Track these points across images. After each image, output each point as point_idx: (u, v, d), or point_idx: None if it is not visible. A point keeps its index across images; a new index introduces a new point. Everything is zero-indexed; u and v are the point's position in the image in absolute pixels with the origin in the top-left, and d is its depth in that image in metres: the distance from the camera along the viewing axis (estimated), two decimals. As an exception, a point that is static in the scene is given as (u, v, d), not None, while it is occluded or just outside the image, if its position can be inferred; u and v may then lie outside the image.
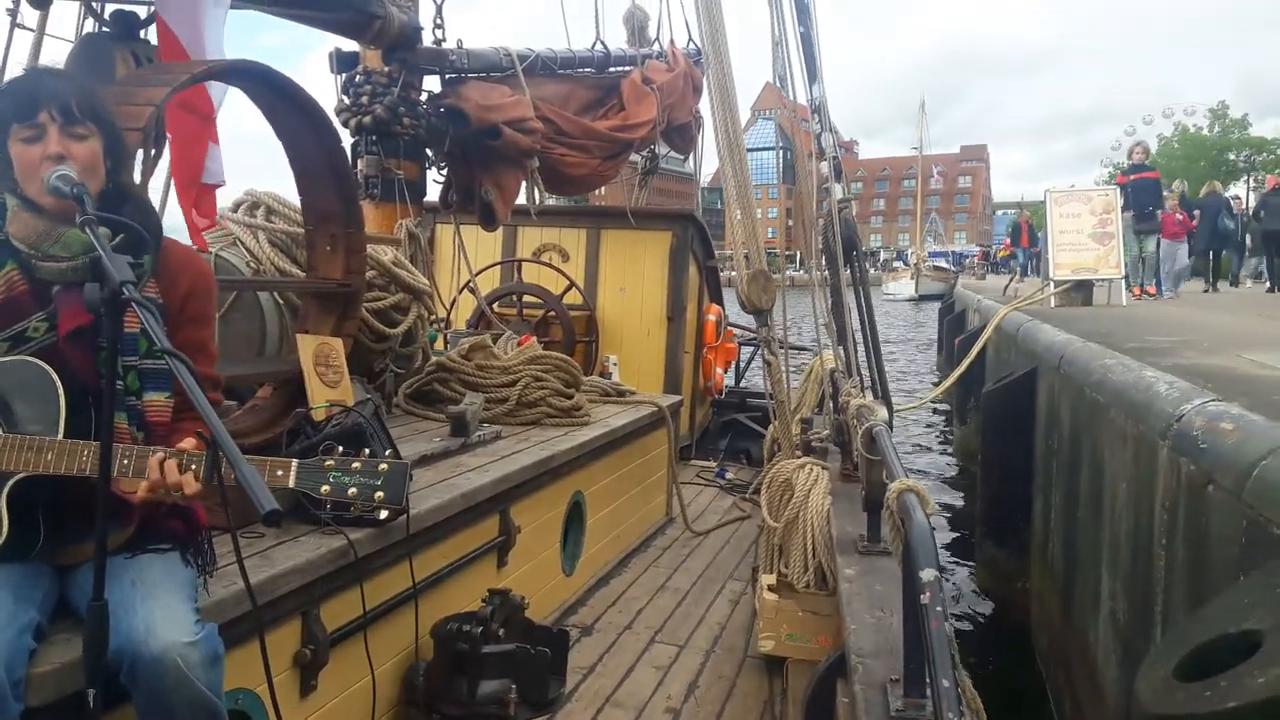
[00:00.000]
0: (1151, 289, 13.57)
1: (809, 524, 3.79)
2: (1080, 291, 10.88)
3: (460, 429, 3.84)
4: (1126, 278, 15.31)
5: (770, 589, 3.68)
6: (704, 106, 6.85)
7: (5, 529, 1.71)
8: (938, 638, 1.71)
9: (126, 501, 1.75)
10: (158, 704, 1.71)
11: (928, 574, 1.81)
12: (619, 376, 6.27)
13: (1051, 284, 10.98)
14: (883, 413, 3.63)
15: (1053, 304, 10.70)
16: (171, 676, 1.68)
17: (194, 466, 1.70)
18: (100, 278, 1.63)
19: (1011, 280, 19.87)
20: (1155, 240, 13.52)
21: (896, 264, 64.83)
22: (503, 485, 3.45)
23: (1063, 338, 6.04)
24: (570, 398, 4.70)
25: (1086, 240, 10.91)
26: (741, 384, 8.80)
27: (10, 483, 1.72)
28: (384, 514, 1.83)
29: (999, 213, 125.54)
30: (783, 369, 4.59)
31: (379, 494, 1.71)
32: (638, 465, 5.22)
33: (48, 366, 1.78)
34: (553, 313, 6.59)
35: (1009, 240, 31.44)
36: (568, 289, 6.68)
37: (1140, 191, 13.20)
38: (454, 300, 6.46)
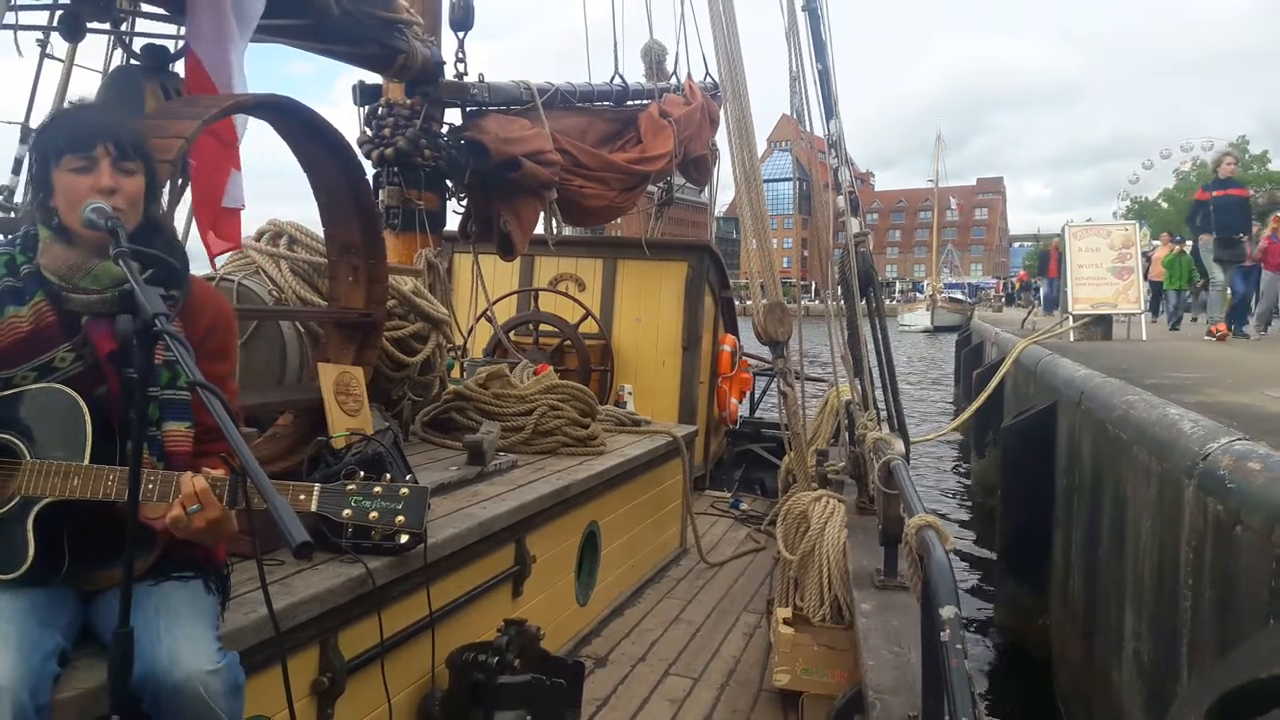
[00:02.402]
0: (1222, 326, 10.63)
1: (825, 557, 3.77)
2: (1100, 326, 10.82)
3: (477, 458, 3.85)
4: (1174, 313, 14.65)
5: (786, 622, 3.65)
6: (720, 139, 6.94)
7: (32, 553, 1.73)
8: (957, 676, 1.71)
9: (150, 528, 1.77)
10: None
11: (947, 611, 1.80)
12: (634, 406, 6.27)
13: (1070, 318, 10.93)
14: (899, 446, 3.62)
15: (1072, 338, 10.65)
16: (194, 705, 1.69)
17: (218, 490, 1.72)
18: (132, 310, 1.66)
19: (1030, 313, 19.77)
20: (1235, 271, 10.82)
21: (914, 294, 64.68)
22: (519, 515, 3.45)
23: (1083, 373, 6.01)
24: (586, 427, 4.71)
25: (1105, 274, 10.86)
26: (756, 414, 8.79)
27: (37, 507, 1.74)
28: (404, 538, 1.86)
29: (1015, 245, 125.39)
30: (799, 400, 4.58)
31: (400, 518, 1.72)
32: (652, 495, 5.21)
33: (75, 394, 1.80)
34: (569, 342, 6.62)
35: (1025, 271, 31.30)
36: (584, 318, 6.71)
37: (1225, 211, 10.61)
38: (471, 329, 6.50)
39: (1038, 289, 28.51)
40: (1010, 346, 10.07)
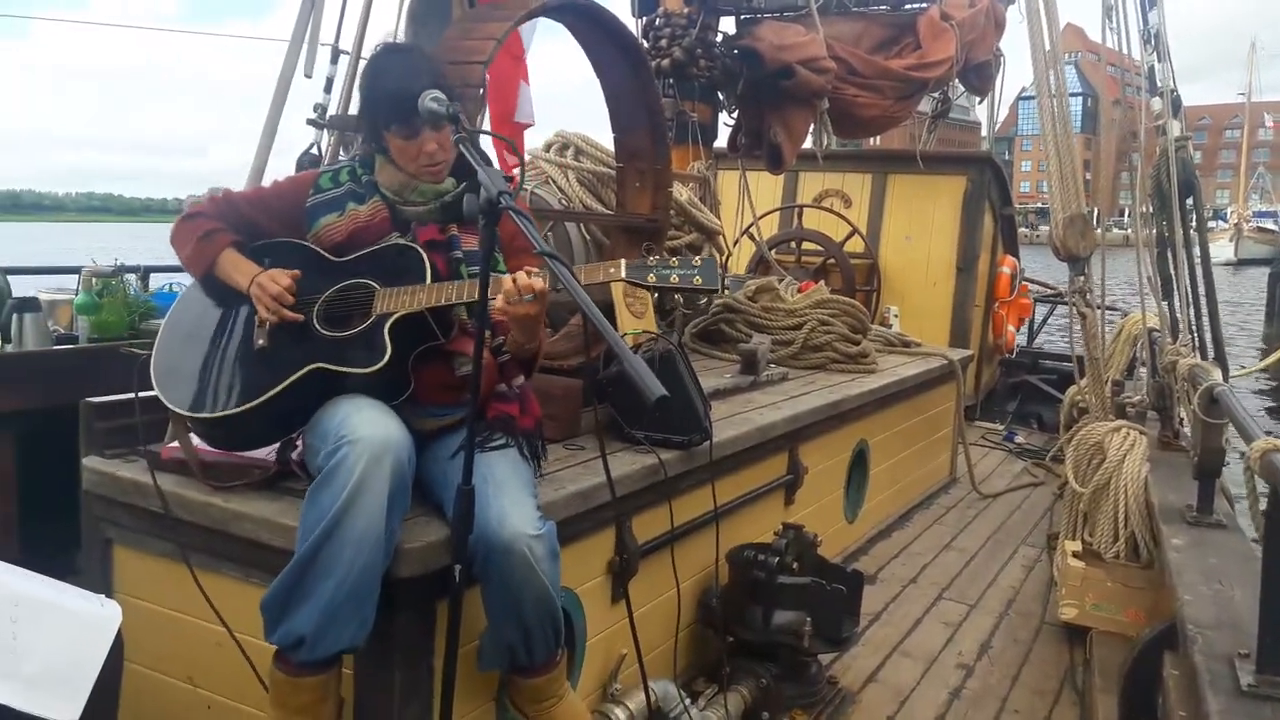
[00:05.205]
0: None
1: (1122, 491, 3.48)
2: None
3: (750, 367, 3.86)
4: None
5: (1075, 555, 3.43)
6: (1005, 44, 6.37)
7: (389, 352, 1.93)
8: (1325, 608, 1.53)
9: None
10: (508, 593, 1.87)
11: (1312, 537, 1.62)
12: (900, 329, 6.04)
13: None
14: (1218, 375, 3.25)
15: None
16: (521, 567, 1.83)
17: (538, 275, 1.89)
18: (456, 217, 1.97)
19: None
20: None
21: (1216, 222, 57.04)
22: (793, 425, 3.44)
23: None
24: (857, 344, 4.59)
25: None
26: (1034, 344, 8.20)
27: (392, 319, 1.96)
28: (703, 300, 1.92)
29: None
30: (1099, 324, 4.19)
31: (697, 279, 1.87)
32: (922, 420, 5.02)
33: (418, 247, 2.04)
34: (832, 260, 6.44)
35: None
36: (849, 236, 6.50)
37: None
38: (736, 242, 6.49)
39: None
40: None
